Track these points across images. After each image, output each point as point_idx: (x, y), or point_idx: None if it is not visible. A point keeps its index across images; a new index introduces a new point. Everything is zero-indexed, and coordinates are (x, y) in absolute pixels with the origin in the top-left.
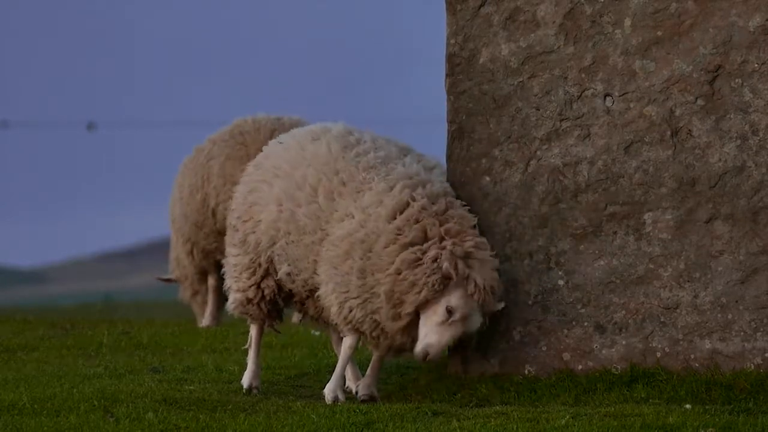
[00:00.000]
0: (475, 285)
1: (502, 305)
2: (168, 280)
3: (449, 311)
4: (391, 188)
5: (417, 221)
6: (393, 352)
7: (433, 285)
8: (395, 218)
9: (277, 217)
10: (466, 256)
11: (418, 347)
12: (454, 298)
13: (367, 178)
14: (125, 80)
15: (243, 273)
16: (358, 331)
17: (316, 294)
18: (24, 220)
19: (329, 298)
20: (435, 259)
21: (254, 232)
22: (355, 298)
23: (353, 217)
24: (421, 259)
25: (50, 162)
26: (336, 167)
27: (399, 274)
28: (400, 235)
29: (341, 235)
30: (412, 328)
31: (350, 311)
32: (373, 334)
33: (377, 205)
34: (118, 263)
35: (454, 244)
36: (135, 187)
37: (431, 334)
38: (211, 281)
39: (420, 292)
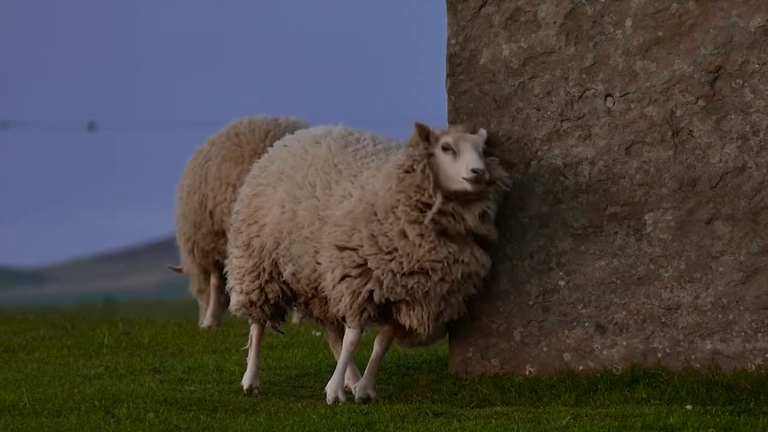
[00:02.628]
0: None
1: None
2: (179, 270)
3: (445, 147)
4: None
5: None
6: (425, 322)
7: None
8: (386, 175)
9: (279, 218)
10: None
11: (465, 174)
12: (443, 138)
13: (365, 162)
14: (126, 80)
15: (247, 276)
16: (373, 320)
17: (320, 287)
18: (24, 220)
19: (338, 288)
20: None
21: (259, 236)
22: (376, 268)
23: (352, 196)
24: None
25: (51, 162)
26: (334, 161)
27: (399, 183)
28: (389, 184)
29: (342, 215)
30: (437, 244)
31: (370, 292)
32: (415, 296)
33: (374, 176)
34: (118, 263)
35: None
36: (135, 187)
37: (457, 167)
38: (213, 280)
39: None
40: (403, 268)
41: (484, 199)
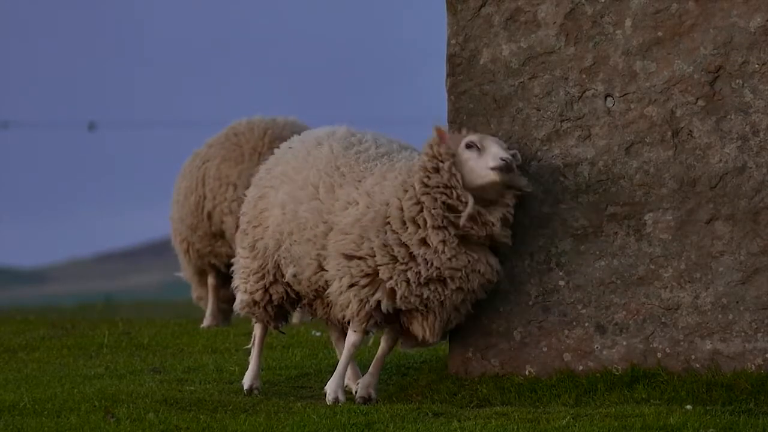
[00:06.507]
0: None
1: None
2: None
3: (469, 145)
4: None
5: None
6: (436, 332)
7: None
8: (401, 183)
9: (281, 220)
10: None
11: (492, 164)
12: (465, 138)
13: (368, 167)
14: (126, 80)
15: (251, 276)
16: (387, 325)
17: (326, 293)
18: (24, 220)
19: (345, 295)
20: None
21: (263, 238)
22: (389, 278)
23: (357, 203)
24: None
25: (51, 162)
26: (336, 164)
27: (423, 187)
28: (407, 190)
29: (350, 222)
30: (459, 252)
31: (377, 303)
32: (428, 305)
33: (380, 184)
34: (118, 263)
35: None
36: (135, 187)
37: (484, 160)
38: (210, 281)
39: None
40: (420, 277)
41: (506, 205)
